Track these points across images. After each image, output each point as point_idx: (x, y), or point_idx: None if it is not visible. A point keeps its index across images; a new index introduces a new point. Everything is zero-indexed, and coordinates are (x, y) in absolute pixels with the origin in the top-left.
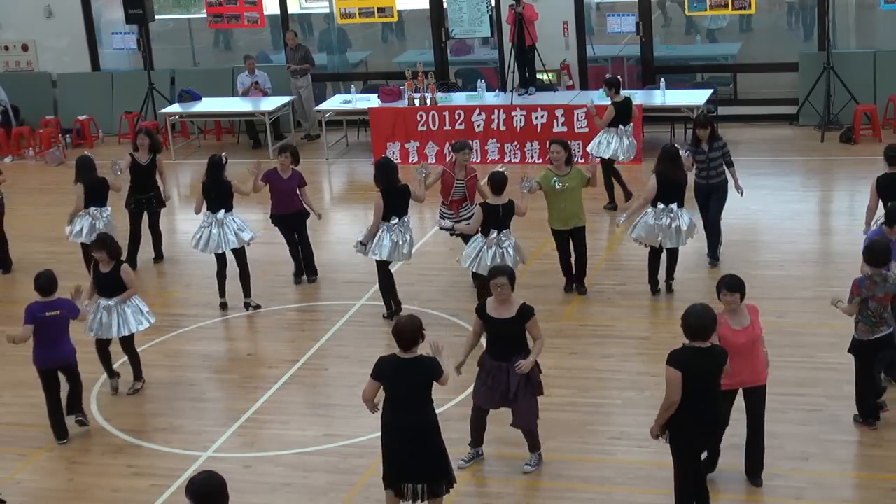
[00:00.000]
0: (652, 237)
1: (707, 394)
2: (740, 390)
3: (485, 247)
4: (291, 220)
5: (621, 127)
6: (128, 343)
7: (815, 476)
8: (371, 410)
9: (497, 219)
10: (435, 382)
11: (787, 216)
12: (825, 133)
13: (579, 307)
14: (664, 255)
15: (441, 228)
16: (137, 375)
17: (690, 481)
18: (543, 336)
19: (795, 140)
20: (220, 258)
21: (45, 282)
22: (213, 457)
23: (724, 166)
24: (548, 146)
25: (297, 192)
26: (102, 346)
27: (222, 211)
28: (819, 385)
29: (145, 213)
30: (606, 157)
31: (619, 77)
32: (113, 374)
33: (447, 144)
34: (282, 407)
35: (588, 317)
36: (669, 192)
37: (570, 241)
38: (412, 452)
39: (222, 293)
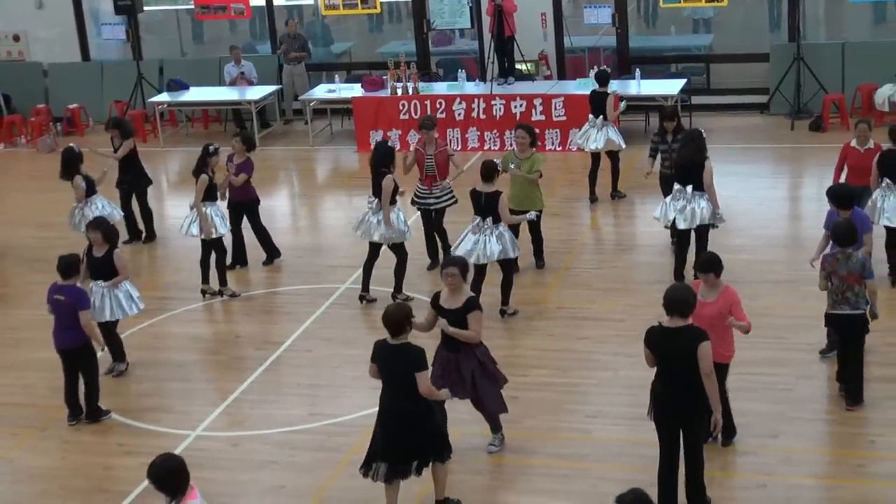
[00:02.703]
0: (666, 217)
1: (672, 373)
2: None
3: (469, 232)
4: (240, 206)
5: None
6: (112, 326)
7: (785, 453)
8: None
9: (479, 206)
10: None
11: (758, 202)
12: (795, 122)
13: (556, 291)
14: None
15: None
16: (119, 357)
17: (663, 453)
18: (481, 334)
19: (766, 128)
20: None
21: (64, 265)
22: (202, 435)
23: None
24: (514, 130)
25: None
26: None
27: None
28: (788, 365)
29: (133, 194)
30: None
31: (607, 69)
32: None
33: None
34: (268, 387)
35: (565, 300)
36: (686, 175)
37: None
38: (401, 434)
39: (205, 280)
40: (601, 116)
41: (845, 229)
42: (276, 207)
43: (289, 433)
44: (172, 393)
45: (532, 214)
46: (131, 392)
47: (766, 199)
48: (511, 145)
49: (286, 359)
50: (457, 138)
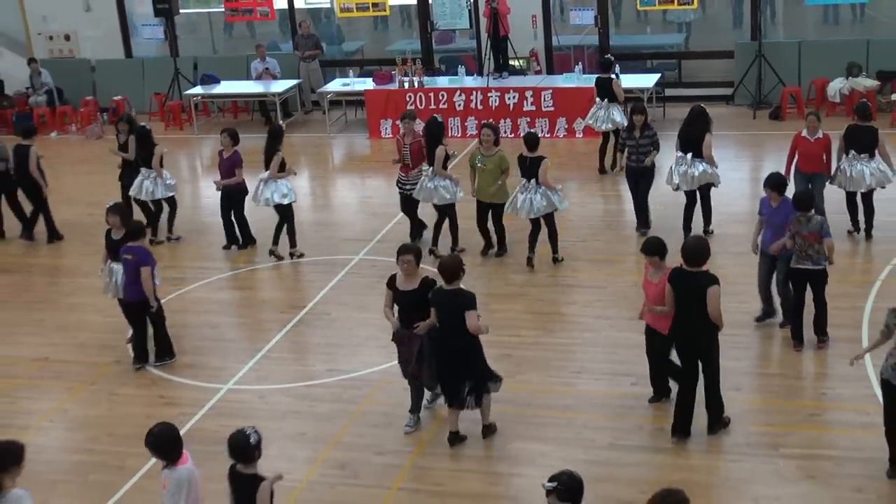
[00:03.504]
0: (671, 182)
1: (684, 306)
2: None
3: (518, 192)
4: (230, 195)
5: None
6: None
7: (747, 404)
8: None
9: (525, 169)
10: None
11: (723, 183)
12: (756, 111)
13: (546, 261)
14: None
15: None
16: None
17: (684, 381)
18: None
19: (731, 117)
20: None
21: (132, 230)
22: (233, 389)
23: (650, 151)
24: (480, 128)
25: (236, 170)
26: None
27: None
28: (749, 326)
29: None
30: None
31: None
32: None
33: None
34: (291, 346)
35: (553, 269)
36: (689, 146)
37: (486, 213)
38: (455, 366)
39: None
40: (606, 99)
41: (803, 197)
42: (298, 188)
43: (309, 387)
44: (206, 351)
45: (566, 204)
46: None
47: (730, 179)
48: (505, 133)
49: (307, 321)
50: (457, 126)
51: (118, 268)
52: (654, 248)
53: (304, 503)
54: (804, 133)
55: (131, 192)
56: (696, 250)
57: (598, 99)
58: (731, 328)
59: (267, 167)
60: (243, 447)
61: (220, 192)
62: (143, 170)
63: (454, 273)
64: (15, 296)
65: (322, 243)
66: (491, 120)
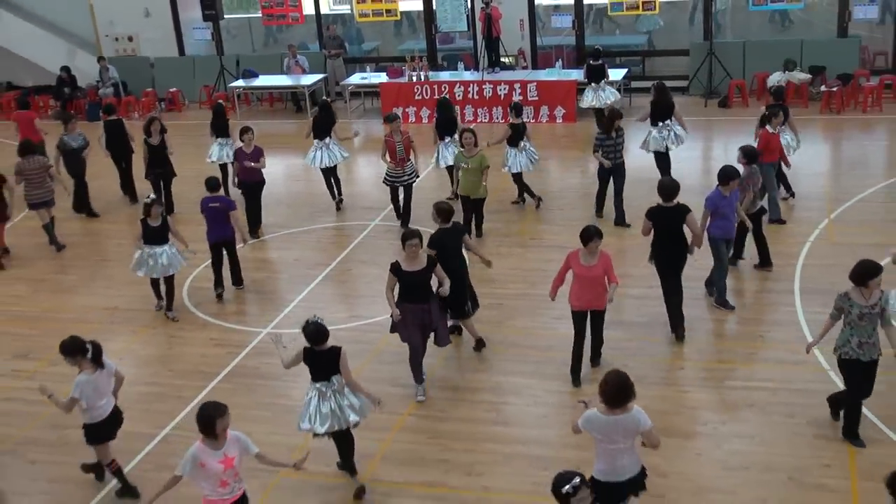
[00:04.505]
0: (661, 145)
1: (669, 236)
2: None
3: (512, 153)
4: (252, 186)
5: (521, 143)
6: (172, 280)
7: (697, 344)
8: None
9: (519, 132)
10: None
11: (679, 161)
12: (707, 100)
13: (530, 225)
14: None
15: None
16: (170, 307)
17: (667, 287)
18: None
19: (686, 105)
20: (326, 172)
21: (214, 182)
22: (271, 332)
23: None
24: (460, 133)
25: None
26: (155, 282)
27: (328, 138)
28: (700, 280)
29: (161, 182)
30: (515, 172)
31: (521, 104)
32: (161, 298)
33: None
34: (318, 296)
35: (536, 233)
36: (663, 112)
37: (472, 207)
38: (458, 287)
39: (333, 195)
40: (601, 81)
41: (751, 151)
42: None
43: (333, 330)
44: (249, 301)
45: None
46: (221, 300)
47: (685, 158)
48: (497, 119)
49: (331, 276)
50: (457, 113)
51: (160, 250)
52: (598, 232)
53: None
54: (769, 129)
55: (213, 159)
56: (672, 187)
57: (593, 84)
58: (686, 280)
59: (318, 137)
60: (322, 331)
61: (244, 184)
62: (220, 139)
63: (450, 212)
64: (90, 256)
65: (344, 211)
66: (472, 125)
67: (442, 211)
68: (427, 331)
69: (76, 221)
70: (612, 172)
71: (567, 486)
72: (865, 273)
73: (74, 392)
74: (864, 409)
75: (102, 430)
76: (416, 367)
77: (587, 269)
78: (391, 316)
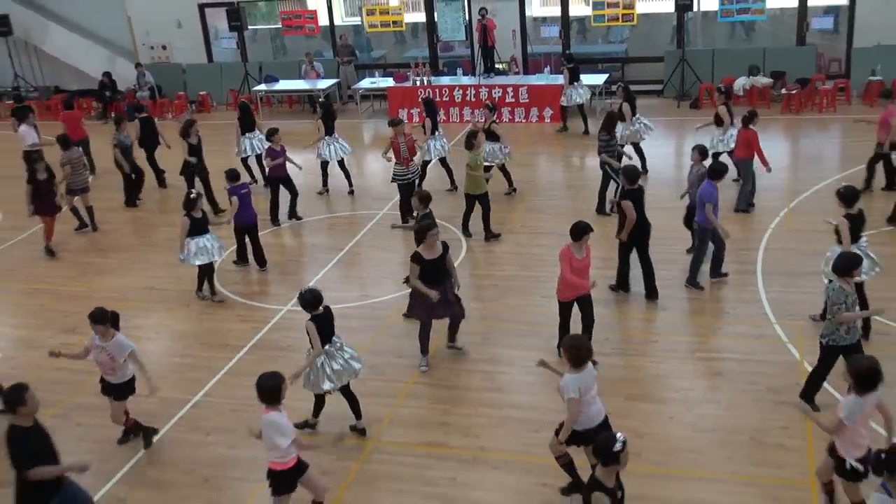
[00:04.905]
0: (636, 137)
1: (641, 212)
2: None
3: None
4: (281, 181)
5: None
6: (211, 268)
7: (669, 319)
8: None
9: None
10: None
11: (654, 155)
12: (680, 102)
13: (521, 214)
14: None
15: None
16: (213, 291)
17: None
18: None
19: (660, 107)
20: (325, 164)
21: (234, 173)
22: (290, 309)
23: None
24: (473, 135)
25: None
26: (202, 270)
27: (335, 134)
28: (678, 263)
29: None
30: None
31: (495, 104)
32: (201, 288)
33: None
34: (333, 277)
35: (527, 221)
36: (633, 109)
37: (478, 203)
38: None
39: (326, 184)
40: (574, 82)
41: (705, 149)
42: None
43: (346, 307)
44: (272, 282)
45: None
46: (246, 281)
47: (658, 154)
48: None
49: (344, 259)
50: (456, 113)
51: (204, 238)
52: (589, 228)
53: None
54: (751, 127)
55: (246, 153)
56: (637, 172)
57: (574, 83)
58: (661, 264)
59: (328, 133)
60: (318, 294)
61: (271, 179)
62: (247, 134)
63: (429, 198)
64: (128, 241)
65: (355, 201)
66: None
67: (424, 198)
68: (447, 307)
69: (117, 211)
70: (611, 168)
71: (618, 444)
72: (851, 265)
73: (129, 347)
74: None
75: (128, 389)
76: (424, 341)
77: (579, 261)
78: (430, 296)
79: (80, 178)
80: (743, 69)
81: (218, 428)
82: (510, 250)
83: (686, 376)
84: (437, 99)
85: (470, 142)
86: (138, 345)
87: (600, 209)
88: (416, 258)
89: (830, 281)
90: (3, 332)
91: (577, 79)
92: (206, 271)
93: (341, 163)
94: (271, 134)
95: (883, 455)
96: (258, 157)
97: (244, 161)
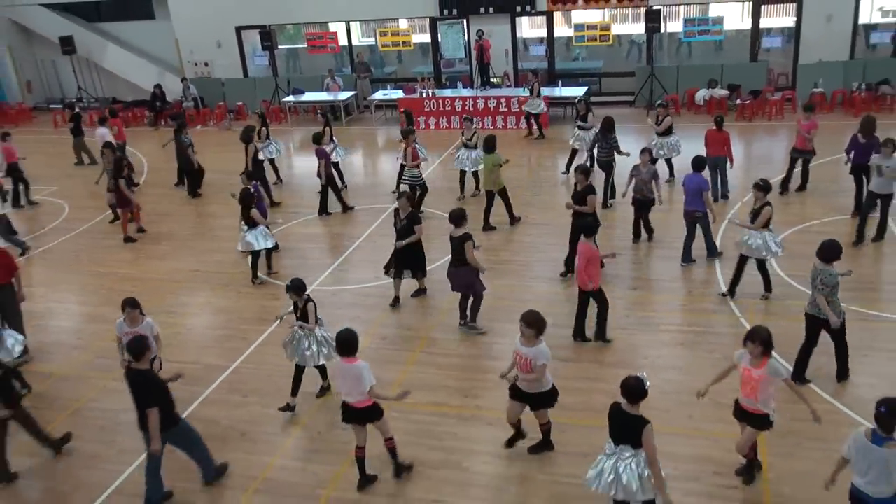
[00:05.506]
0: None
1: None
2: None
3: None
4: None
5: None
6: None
7: (639, 298)
8: None
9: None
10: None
11: (625, 158)
12: (649, 111)
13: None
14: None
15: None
16: (255, 274)
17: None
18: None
19: (632, 115)
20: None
21: (256, 170)
22: (316, 289)
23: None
24: (490, 137)
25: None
26: (257, 254)
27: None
28: (640, 249)
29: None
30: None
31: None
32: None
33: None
34: (352, 262)
35: (518, 213)
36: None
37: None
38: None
39: (343, 181)
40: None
41: (646, 147)
42: (355, 160)
43: (362, 288)
44: (299, 265)
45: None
46: (278, 265)
47: (632, 159)
48: (488, 126)
49: (361, 246)
50: (456, 121)
51: (250, 229)
52: (594, 229)
53: None
54: (713, 128)
55: (272, 156)
56: (590, 170)
57: (532, 98)
58: (631, 252)
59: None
60: (300, 284)
61: (322, 174)
62: (267, 140)
63: (462, 217)
64: (178, 231)
65: (371, 196)
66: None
67: (410, 198)
68: (462, 287)
69: (165, 205)
70: (605, 167)
71: (647, 383)
72: (837, 253)
73: (155, 326)
74: None
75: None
76: (462, 305)
77: (590, 250)
78: (481, 270)
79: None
80: (703, 82)
81: (254, 390)
82: (504, 238)
83: (654, 346)
84: (440, 109)
85: (489, 145)
86: (185, 320)
87: (605, 203)
88: (471, 239)
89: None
90: (72, 309)
91: (539, 95)
92: (261, 256)
93: (336, 164)
94: (318, 139)
95: (883, 408)
96: (271, 161)
97: (272, 162)
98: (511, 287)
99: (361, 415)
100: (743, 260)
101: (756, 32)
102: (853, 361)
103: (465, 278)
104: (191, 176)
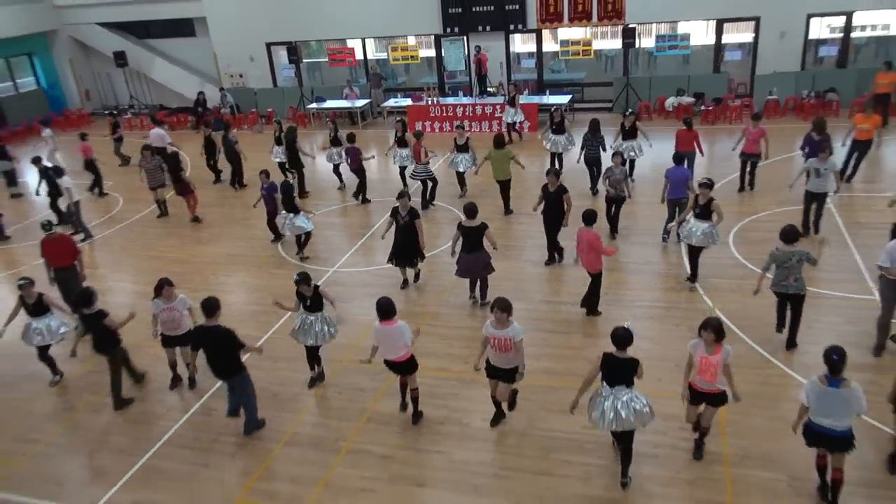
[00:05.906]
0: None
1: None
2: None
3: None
4: (360, 171)
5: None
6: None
7: (614, 280)
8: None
9: (461, 146)
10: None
11: (606, 158)
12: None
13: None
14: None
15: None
16: (302, 249)
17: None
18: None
19: (610, 120)
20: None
21: (268, 172)
22: (337, 271)
23: (600, 148)
24: (502, 138)
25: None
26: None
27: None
28: (641, 242)
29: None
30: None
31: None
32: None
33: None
34: (368, 248)
35: (512, 205)
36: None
37: (501, 187)
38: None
39: (342, 180)
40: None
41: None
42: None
43: (377, 269)
44: (323, 250)
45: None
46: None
47: (608, 156)
48: (485, 130)
49: (374, 234)
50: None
51: (295, 216)
52: (590, 218)
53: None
54: (682, 128)
55: (283, 159)
56: (560, 172)
57: (509, 107)
58: (621, 244)
59: (335, 145)
60: (307, 276)
61: (356, 169)
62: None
63: (475, 211)
64: (217, 220)
65: (384, 190)
66: (468, 133)
67: (404, 194)
68: (475, 272)
69: (206, 196)
70: (594, 162)
71: (632, 331)
72: (797, 236)
73: (189, 301)
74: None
75: (188, 338)
76: (472, 285)
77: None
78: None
79: (159, 177)
80: (672, 90)
81: (284, 357)
82: (498, 227)
83: (628, 320)
84: (443, 114)
85: (499, 142)
86: (223, 297)
87: (594, 191)
88: (459, 226)
89: (777, 249)
90: (127, 287)
91: (514, 104)
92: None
93: (337, 166)
94: (352, 139)
95: (835, 356)
96: (336, 167)
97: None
98: (508, 268)
99: (402, 367)
100: (693, 250)
101: (719, 47)
102: (800, 333)
103: (482, 261)
104: (238, 168)
